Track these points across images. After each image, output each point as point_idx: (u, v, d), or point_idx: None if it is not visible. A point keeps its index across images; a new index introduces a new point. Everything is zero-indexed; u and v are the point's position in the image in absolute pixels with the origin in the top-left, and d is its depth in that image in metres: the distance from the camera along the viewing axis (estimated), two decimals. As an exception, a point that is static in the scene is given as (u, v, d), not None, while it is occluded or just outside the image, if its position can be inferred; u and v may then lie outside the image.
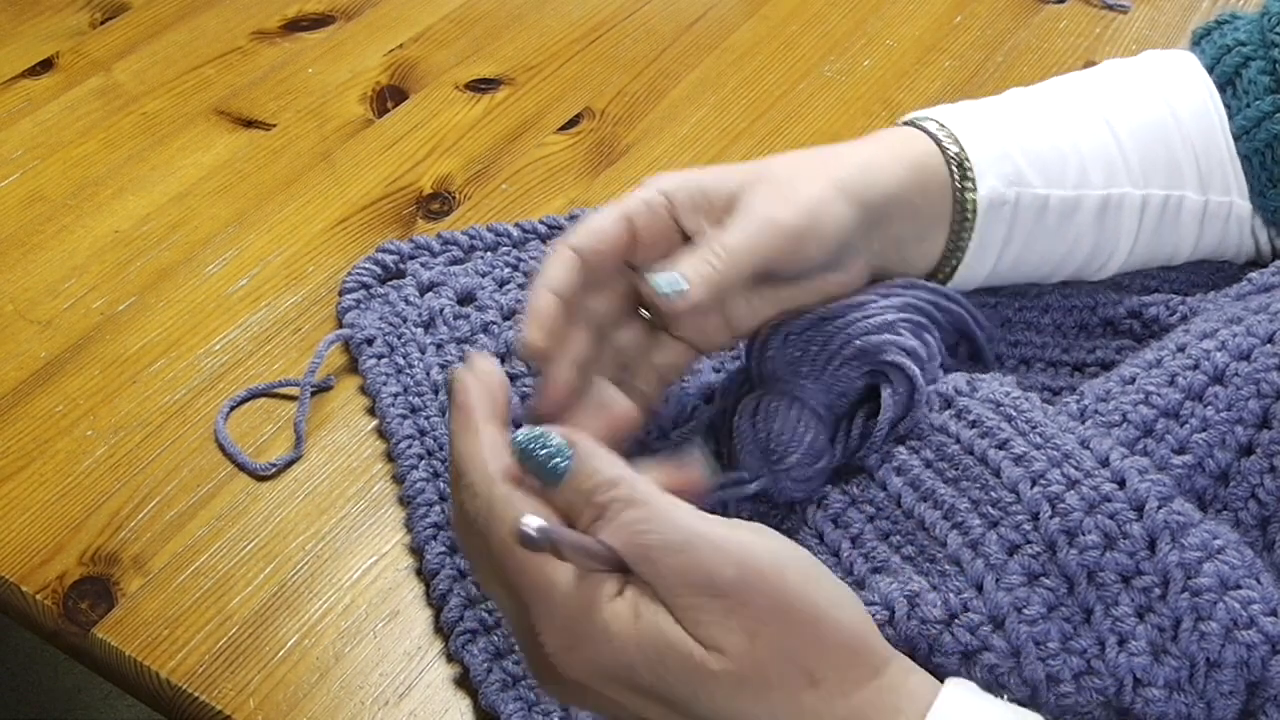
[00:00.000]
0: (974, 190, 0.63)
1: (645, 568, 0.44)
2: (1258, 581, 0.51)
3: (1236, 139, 0.68)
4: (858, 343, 0.60)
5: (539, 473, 0.46)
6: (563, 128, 0.87)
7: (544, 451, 0.46)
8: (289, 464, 0.65)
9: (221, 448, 0.66)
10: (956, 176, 0.64)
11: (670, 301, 0.57)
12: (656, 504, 0.45)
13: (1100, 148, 0.66)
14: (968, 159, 0.64)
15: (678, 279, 0.57)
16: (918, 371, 0.59)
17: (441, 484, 0.63)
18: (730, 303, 0.60)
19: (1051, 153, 0.65)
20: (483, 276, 0.74)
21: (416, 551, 0.61)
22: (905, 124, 0.67)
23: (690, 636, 0.44)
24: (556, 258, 0.58)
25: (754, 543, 0.45)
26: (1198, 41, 0.71)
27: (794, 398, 0.59)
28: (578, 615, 0.45)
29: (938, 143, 0.64)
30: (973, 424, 0.57)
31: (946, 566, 0.54)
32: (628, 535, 0.44)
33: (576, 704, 0.50)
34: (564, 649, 0.45)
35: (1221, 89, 0.69)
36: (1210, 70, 0.69)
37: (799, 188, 0.59)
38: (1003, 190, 0.64)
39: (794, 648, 0.44)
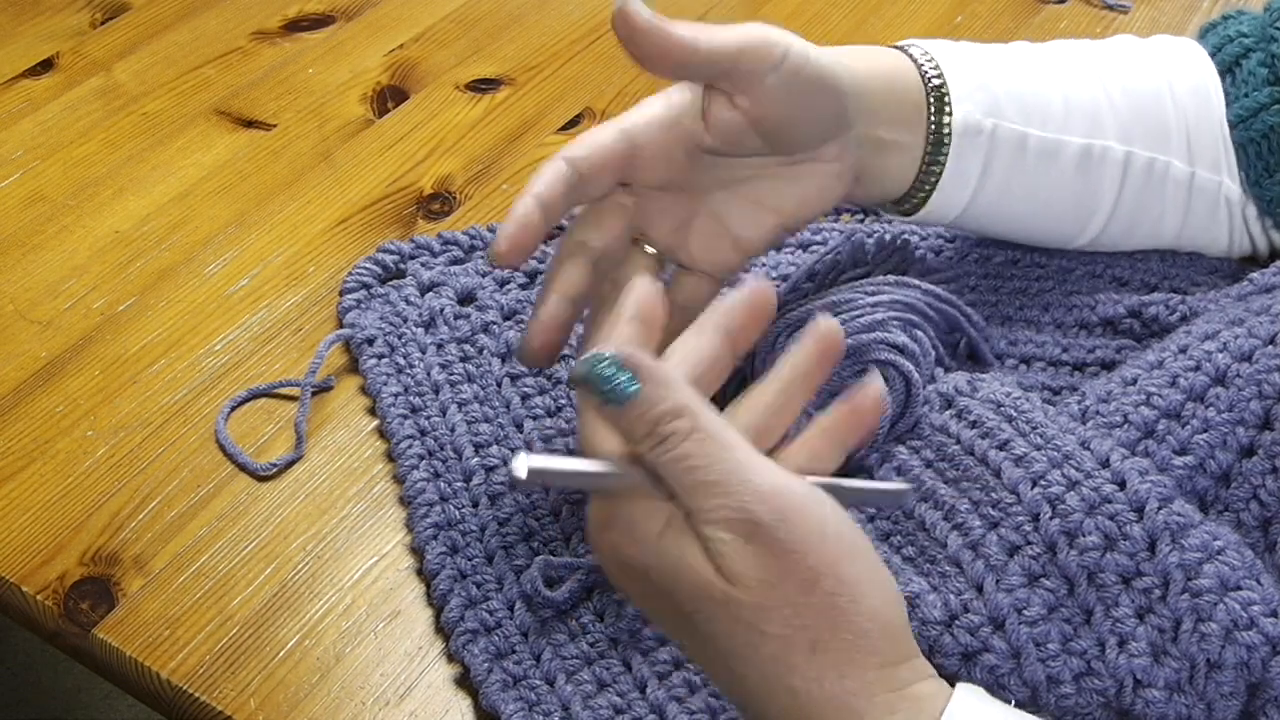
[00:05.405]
0: (949, 115, 0.63)
1: (688, 500, 0.45)
2: (1258, 583, 0.51)
3: (1233, 127, 0.68)
4: (848, 342, 0.60)
5: (605, 395, 0.45)
6: (563, 128, 0.87)
7: (610, 374, 0.45)
8: (289, 464, 0.65)
9: (222, 448, 0.66)
10: (933, 100, 0.63)
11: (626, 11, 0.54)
12: (715, 440, 0.45)
13: (1087, 100, 0.66)
14: (945, 85, 0.63)
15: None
16: (912, 368, 0.59)
17: (442, 484, 0.63)
18: (730, 211, 0.60)
19: (1034, 95, 0.65)
20: (483, 276, 0.74)
21: (417, 552, 0.61)
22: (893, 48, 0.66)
23: (711, 564, 0.44)
24: (548, 167, 0.57)
25: (804, 502, 0.45)
26: (1204, 35, 0.72)
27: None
28: (616, 500, 0.46)
29: (918, 65, 0.64)
30: (973, 424, 0.57)
31: (947, 567, 0.54)
32: (680, 469, 0.44)
33: (606, 572, 0.50)
34: (598, 525, 0.47)
35: (1220, 76, 0.69)
36: (1212, 58, 0.70)
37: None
38: (979, 118, 0.63)
39: (806, 612, 0.44)
